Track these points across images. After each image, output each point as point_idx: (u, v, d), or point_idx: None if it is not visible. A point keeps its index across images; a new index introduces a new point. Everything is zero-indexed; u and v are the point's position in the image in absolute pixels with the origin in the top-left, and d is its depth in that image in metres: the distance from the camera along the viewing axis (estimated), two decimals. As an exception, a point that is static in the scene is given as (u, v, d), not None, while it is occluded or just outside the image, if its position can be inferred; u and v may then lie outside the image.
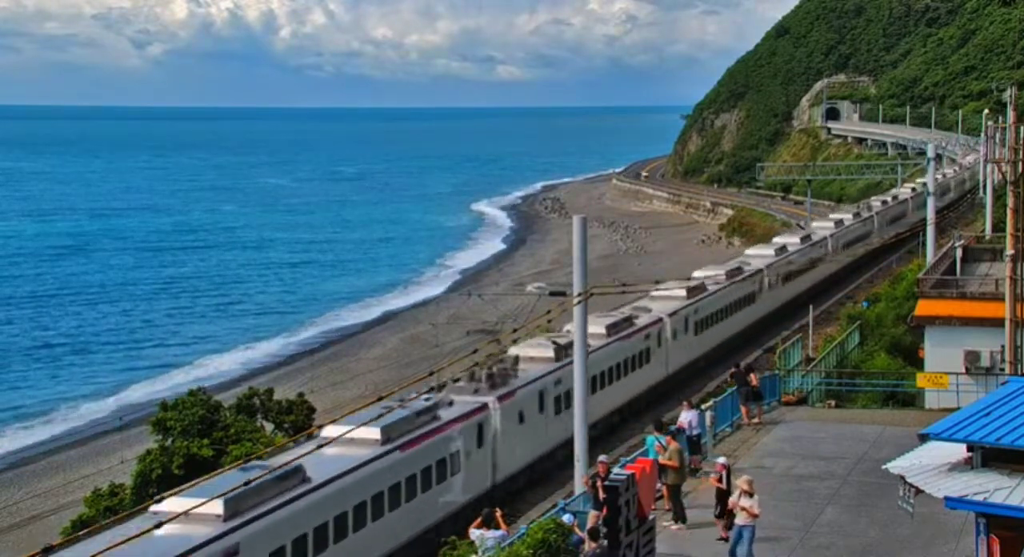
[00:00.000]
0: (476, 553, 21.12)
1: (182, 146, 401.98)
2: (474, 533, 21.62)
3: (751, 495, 21.52)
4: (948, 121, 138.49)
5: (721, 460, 24.11)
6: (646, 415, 45.65)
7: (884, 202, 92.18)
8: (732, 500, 21.99)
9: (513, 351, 39.59)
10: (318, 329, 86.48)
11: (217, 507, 23.79)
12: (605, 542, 19.71)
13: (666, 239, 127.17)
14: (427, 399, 32.81)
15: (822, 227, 79.96)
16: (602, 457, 23.42)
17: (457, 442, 32.73)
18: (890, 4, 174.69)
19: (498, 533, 21.27)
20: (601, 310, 46.44)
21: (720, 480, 23.46)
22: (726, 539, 22.31)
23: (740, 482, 21.95)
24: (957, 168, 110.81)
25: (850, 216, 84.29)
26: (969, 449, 17.28)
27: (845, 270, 77.71)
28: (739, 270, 59.99)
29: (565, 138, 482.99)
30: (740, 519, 21.62)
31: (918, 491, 17.12)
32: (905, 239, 71.12)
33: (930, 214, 54.74)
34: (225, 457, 34.28)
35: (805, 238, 73.11)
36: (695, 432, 28.42)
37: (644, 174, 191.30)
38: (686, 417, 28.54)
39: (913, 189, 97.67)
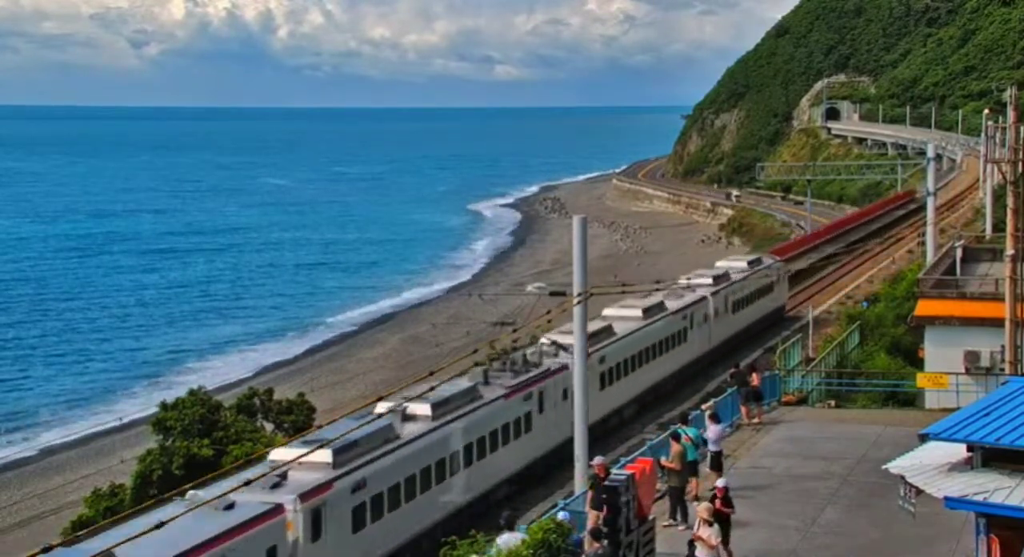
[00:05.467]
0: (476, 553, 21.04)
1: (182, 147, 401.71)
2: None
3: (711, 524, 19.83)
4: (948, 121, 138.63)
5: (721, 483, 22.62)
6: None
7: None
8: (694, 532, 20.18)
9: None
10: (318, 329, 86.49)
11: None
12: (606, 542, 19.68)
13: (666, 239, 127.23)
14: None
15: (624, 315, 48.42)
16: (598, 458, 23.22)
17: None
18: (890, 4, 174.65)
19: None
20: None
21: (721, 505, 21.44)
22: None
23: (699, 509, 20.28)
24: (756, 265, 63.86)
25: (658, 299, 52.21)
26: (969, 449, 17.27)
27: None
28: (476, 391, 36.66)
29: (564, 138, 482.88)
30: (700, 552, 19.82)
31: (919, 491, 17.12)
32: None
33: (930, 213, 54.79)
34: (225, 457, 34.29)
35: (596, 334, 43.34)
36: (716, 448, 26.90)
37: (736, 194, 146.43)
38: (708, 431, 26.97)
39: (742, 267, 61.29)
